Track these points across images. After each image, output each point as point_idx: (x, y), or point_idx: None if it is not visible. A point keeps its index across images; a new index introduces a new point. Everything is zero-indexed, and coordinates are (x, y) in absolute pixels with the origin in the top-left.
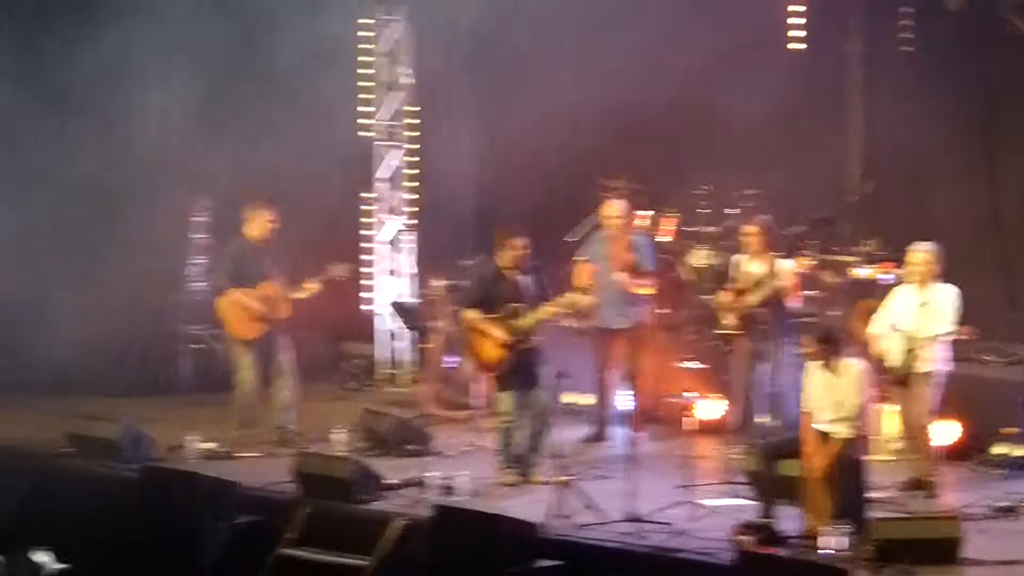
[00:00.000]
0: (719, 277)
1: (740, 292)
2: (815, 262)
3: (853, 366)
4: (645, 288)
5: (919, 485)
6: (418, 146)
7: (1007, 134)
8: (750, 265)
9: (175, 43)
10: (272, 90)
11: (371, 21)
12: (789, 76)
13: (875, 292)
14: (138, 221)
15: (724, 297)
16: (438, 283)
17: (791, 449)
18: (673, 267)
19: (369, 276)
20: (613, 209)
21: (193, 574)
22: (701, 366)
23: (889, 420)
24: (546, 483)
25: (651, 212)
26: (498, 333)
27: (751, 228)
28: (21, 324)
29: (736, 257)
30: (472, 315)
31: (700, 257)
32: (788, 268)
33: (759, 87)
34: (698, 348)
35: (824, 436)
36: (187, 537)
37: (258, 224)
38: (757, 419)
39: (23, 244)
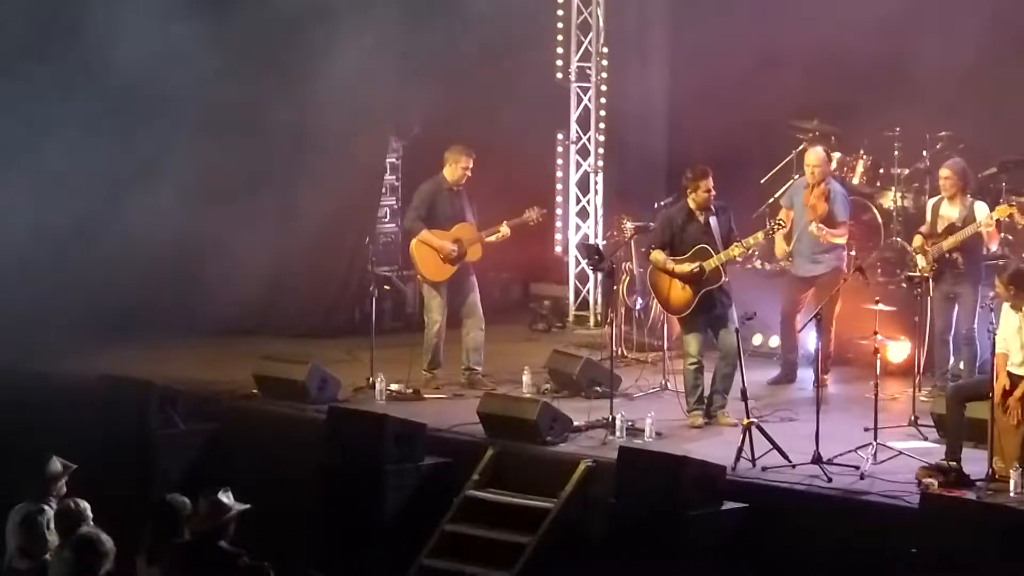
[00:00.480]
0: (910, 219)
1: (933, 235)
2: (1015, 209)
3: None
4: (838, 238)
5: None
6: (606, 88)
7: None
8: (946, 208)
9: None
10: (466, 32)
11: None
12: (986, 20)
13: None
14: (331, 164)
15: (918, 240)
16: (627, 224)
17: (979, 392)
18: (865, 210)
19: (560, 217)
20: (812, 157)
21: (379, 514)
22: (891, 309)
23: None
24: (733, 425)
25: (839, 155)
26: (685, 275)
27: (946, 171)
28: (215, 265)
29: (932, 200)
30: (659, 256)
31: (891, 199)
32: (985, 212)
33: (955, 30)
34: (888, 290)
35: (1015, 379)
36: (373, 478)
37: (456, 168)
38: (952, 363)
39: (218, 188)
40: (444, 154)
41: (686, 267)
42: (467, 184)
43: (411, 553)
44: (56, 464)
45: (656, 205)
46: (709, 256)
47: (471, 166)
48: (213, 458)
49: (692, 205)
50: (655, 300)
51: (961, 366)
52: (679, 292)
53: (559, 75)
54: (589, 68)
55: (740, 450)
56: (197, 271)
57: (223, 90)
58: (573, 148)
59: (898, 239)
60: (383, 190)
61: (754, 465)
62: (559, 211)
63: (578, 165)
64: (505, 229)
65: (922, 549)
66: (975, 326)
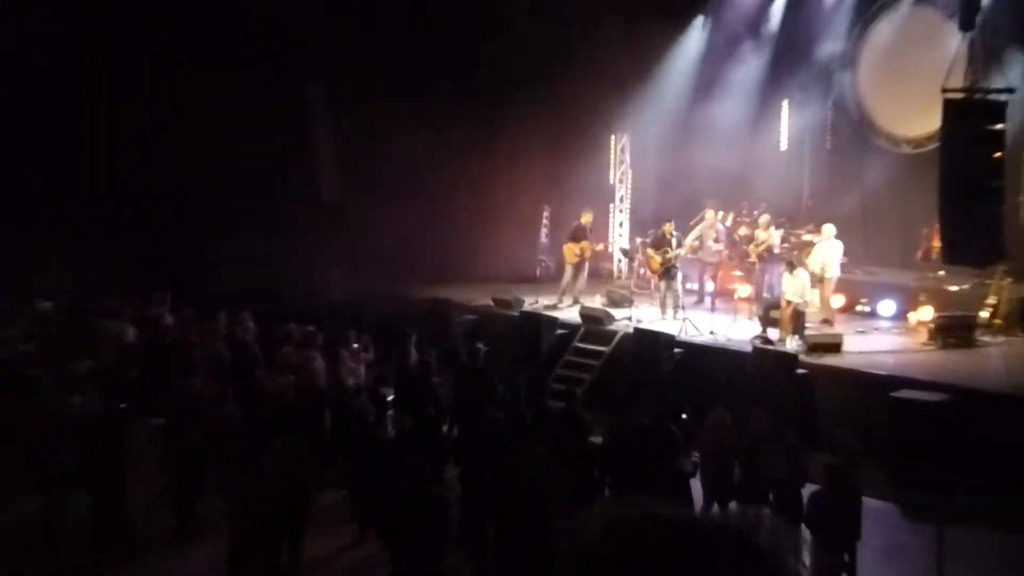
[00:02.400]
0: (749, 239)
1: (758, 244)
2: (783, 232)
3: (801, 273)
4: (720, 246)
5: (826, 322)
6: (630, 183)
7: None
8: (762, 234)
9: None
10: (569, 165)
11: (614, 136)
12: (776, 161)
13: (811, 245)
14: (517, 212)
15: (752, 247)
16: (639, 239)
17: (776, 305)
18: (732, 234)
19: (611, 236)
20: (709, 214)
21: (538, 353)
22: (741, 274)
23: (814, 296)
24: (678, 319)
25: (722, 212)
26: (658, 259)
27: (763, 220)
28: (476, 253)
29: (758, 231)
30: (650, 251)
31: (742, 231)
32: (776, 234)
33: (766, 161)
34: (740, 266)
35: (789, 303)
36: (535, 340)
37: (588, 218)
38: (764, 295)
39: (473, 226)
40: (582, 211)
41: (660, 256)
42: (590, 226)
43: (551, 369)
44: (408, 331)
45: (649, 231)
46: (668, 252)
47: (592, 218)
48: (485, 331)
49: (664, 231)
50: (647, 269)
51: (769, 297)
52: (656, 264)
53: (610, 180)
54: (623, 175)
55: (680, 328)
56: (469, 255)
57: (470, 175)
58: (616, 209)
59: (744, 246)
60: (540, 226)
61: (686, 334)
62: (611, 235)
63: (618, 216)
64: (601, 246)
65: (754, 370)
66: (774, 280)
